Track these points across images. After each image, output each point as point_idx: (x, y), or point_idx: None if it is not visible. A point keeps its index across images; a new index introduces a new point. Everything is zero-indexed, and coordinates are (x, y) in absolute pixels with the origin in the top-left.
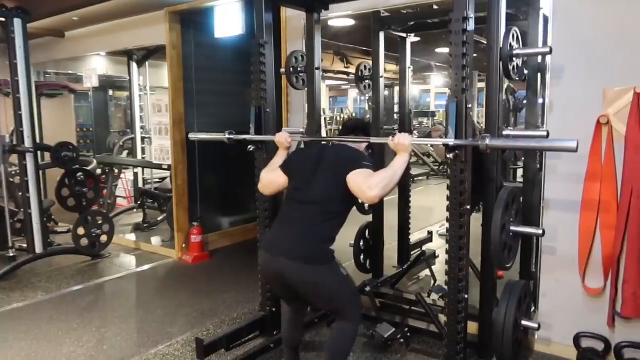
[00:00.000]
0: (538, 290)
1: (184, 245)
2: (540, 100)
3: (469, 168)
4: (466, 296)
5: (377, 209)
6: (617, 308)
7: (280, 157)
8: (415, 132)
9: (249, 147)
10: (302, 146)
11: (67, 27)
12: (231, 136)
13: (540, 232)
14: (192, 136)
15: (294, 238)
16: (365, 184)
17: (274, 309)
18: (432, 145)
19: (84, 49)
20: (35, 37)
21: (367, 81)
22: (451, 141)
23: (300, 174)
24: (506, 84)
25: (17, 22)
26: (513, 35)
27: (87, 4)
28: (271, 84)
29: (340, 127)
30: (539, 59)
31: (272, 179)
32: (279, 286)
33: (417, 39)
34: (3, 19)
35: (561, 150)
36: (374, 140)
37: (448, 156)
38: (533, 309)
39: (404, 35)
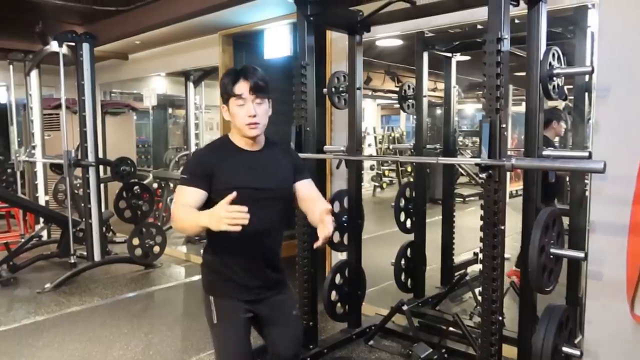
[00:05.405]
0: (583, 316)
1: None
2: (587, 120)
3: (502, 188)
4: (500, 317)
5: (418, 228)
6: None
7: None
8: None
9: None
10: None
11: (131, 50)
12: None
13: (582, 255)
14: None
15: None
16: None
17: (310, 323)
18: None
19: (145, 70)
20: (102, 60)
21: (410, 100)
22: (481, 160)
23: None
24: (563, 103)
25: (85, 47)
26: (553, 55)
27: (149, 28)
28: (312, 103)
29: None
30: (586, 77)
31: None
32: None
33: (467, 57)
34: (73, 44)
35: (587, 171)
36: None
37: (481, 176)
38: (580, 337)
39: (449, 54)
